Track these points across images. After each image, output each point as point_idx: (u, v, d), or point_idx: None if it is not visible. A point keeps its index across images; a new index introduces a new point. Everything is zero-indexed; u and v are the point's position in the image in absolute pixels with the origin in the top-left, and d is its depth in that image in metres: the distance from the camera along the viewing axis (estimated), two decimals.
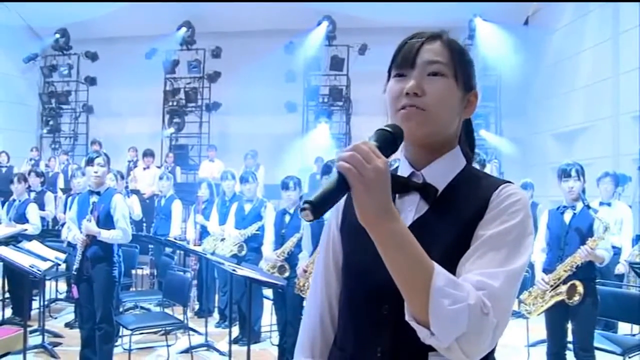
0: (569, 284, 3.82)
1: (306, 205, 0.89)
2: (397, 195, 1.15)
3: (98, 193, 4.33)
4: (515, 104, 10.82)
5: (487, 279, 0.98)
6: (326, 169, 4.25)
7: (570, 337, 3.97)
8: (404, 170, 1.18)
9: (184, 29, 12.31)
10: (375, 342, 1.12)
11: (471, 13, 10.79)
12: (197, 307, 6.71)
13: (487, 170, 9.31)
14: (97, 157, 4.27)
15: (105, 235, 4.24)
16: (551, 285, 3.89)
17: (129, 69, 11.48)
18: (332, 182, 0.92)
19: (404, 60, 1.13)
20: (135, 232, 7.15)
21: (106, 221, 4.28)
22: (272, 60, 11.05)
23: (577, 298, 3.79)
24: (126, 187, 8.33)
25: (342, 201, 1.21)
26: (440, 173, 1.15)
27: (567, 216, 3.96)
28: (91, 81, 13.04)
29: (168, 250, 6.76)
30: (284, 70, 11.78)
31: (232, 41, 11.91)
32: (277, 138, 11.56)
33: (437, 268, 0.95)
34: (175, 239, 6.54)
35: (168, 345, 5.05)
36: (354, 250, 1.19)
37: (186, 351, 5.00)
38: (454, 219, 1.09)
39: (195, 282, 6.53)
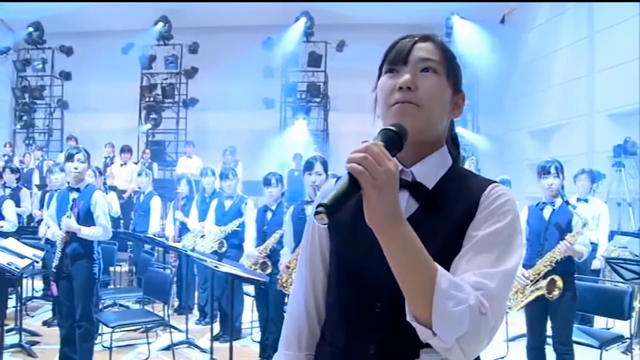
0: (548, 278, 3.88)
1: (320, 209, 0.89)
2: None
3: (78, 189, 4.26)
4: (492, 101, 10.93)
5: (484, 279, 0.99)
6: (308, 166, 4.24)
7: (549, 332, 4.04)
8: None
9: (160, 24, 12.18)
10: (368, 339, 1.12)
11: (448, 11, 10.88)
12: (176, 304, 6.67)
13: (465, 167, 9.43)
14: (77, 152, 4.19)
15: (85, 232, 4.18)
16: (531, 280, 3.95)
17: (105, 63, 11.34)
18: (344, 184, 0.92)
19: (397, 57, 1.14)
20: (113, 229, 7.10)
21: (86, 218, 4.22)
22: (250, 56, 11.00)
23: (556, 293, 3.86)
24: (104, 184, 8.22)
25: None
26: (430, 171, 1.16)
27: (547, 212, 4.03)
28: (66, 76, 12.81)
29: (147, 247, 6.70)
30: (262, 66, 11.73)
31: (210, 37, 11.81)
32: (255, 134, 11.51)
33: (441, 270, 0.96)
34: (154, 235, 6.49)
35: (149, 343, 5.02)
36: (344, 247, 1.19)
37: (167, 348, 4.96)
38: (445, 217, 1.11)
39: (174, 279, 6.48)
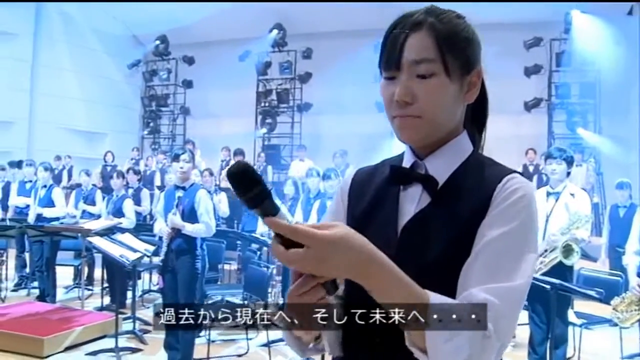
0: None
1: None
2: (401, 187, 1.11)
3: (183, 188, 4.50)
4: (617, 100, 10.16)
5: (491, 295, 0.92)
6: None
7: None
8: (408, 159, 1.12)
9: (275, 31, 12.59)
10: (366, 347, 1.06)
11: (568, 6, 10.26)
12: (281, 301, 6.82)
13: (583, 170, 8.84)
14: (182, 153, 4.44)
15: (189, 228, 4.39)
16: None
17: (223, 71, 11.92)
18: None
19: (389, 61, 1.05)
20: (224, 229, 7.42)
21: (190, 215, 4.44)
22: (362, 60, 10.99)
23: None
24: (217, 185, 8.62)
25: (346, 201, 1.18)
26: (443, 163, 1.08)
27: None
28: (188, 84, 13.64)
29: (255, 246, 6.92)
30: (374, 69, 11.55)
31: (322, 42, 12.04)
32: (367, 138, 11.49)
33: (433, 299, 0.90)
34: (261, 235, 6.69)
35: (248, 339, 5.18)
36: None
37: (266, 345, 5.08)
38: (455, 214, 1.03)
39: (279, 277, 6.64)
